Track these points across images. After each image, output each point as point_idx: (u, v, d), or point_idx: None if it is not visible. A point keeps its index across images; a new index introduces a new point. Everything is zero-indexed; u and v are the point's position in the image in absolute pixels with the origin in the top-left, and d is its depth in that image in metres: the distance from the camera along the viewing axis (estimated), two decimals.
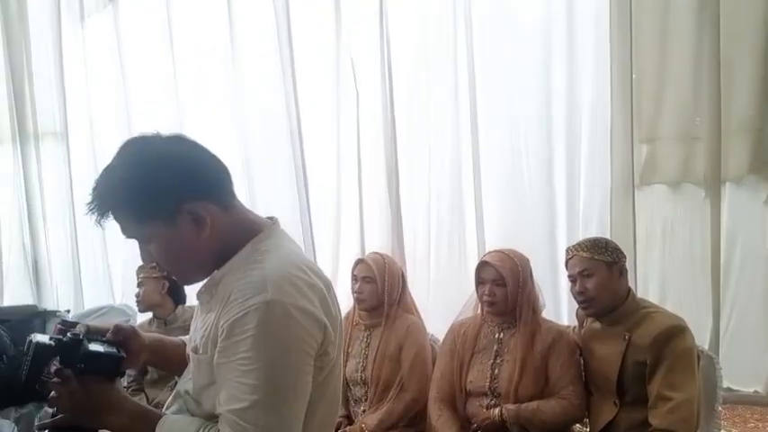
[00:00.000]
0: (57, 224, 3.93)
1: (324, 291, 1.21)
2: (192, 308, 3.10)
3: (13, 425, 3.25)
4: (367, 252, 2.87)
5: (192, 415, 1.24)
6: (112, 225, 3.58)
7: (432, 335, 2.71)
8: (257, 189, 3.32)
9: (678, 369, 2.03)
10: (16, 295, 4.01)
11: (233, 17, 3.31)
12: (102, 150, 3.75)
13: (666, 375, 2.02)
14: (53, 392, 1.19)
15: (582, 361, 2.31)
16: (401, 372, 2.53)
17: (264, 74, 3.27)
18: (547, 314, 2.46)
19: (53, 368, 1.21)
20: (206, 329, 1.21)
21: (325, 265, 3.11)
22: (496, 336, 2.39)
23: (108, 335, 1.26)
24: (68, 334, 1.21)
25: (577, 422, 2.31)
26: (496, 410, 2.25)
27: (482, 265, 2.43)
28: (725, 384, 2.32)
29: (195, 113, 3.48)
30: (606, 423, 2.15)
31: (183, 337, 1.47)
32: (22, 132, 3.87)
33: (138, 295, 2.95)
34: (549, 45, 2.78)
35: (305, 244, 3.16)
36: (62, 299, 3.97)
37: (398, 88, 3.04)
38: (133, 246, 3.52)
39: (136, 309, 3.70)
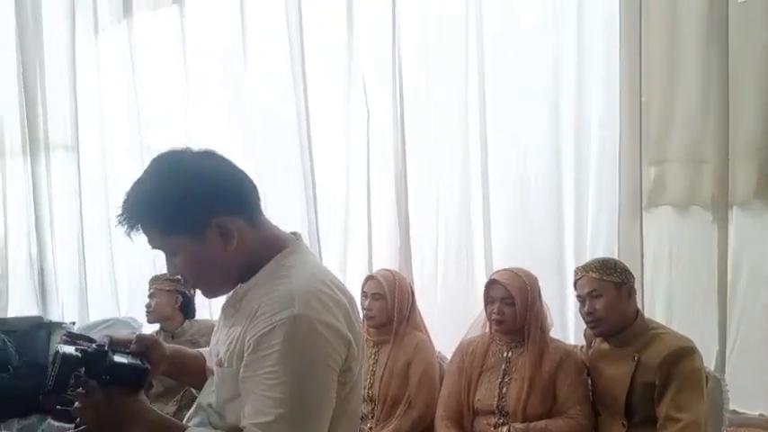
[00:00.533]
0: (64, 236, 3.95)
1: (348, 307, 1.24)
2: (199, 322, 3.12)
3: None
4: (375, 270, 2.88)
5: (215, 428, 1.25)
6: (118, 238, 3.58)
7: (439, 352, 2.72)
8: (266, 204, 3.32)
9: (686, 390, 2.04)
10: (22, 306, 4.02)
11: (246, 32, 3.35)
12: (113, 163, 3.79)
13: (675, 396, 2.03)
14: (77, 403, 1.20)
15: (589, 381, 2.32)
16: (409, 389, 2.54)
17: (276, 92, 3.30)
18: (554, 334, 2.48)
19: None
20: (231, 343, 1.22)
21: None
22: (504, 354, 2.41)
23: (132, 346, 1.28)
24: (94, 345, 1.22)
25: None
26: (504, 429, 2.26)
27: (491, 284, 2.45)
28: (731, 407, 2.32)
29: (206, 127, 3.50)
30: None
31: (201, 350, 1.48)
32: (33, 144, 3.91)
33: (148, 306, 2.96)
34: (558, 68, 2.81)
35: None
36: (67, 310, 3.98)
37: (409, 108, 3.06)
38: (139, 259, 3.53)
39: (141, 321, 3.72)
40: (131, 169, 3.71)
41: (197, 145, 3.43)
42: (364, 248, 3.21)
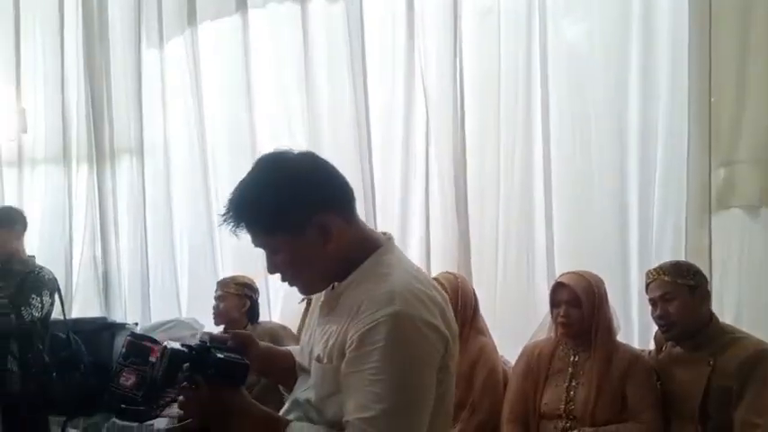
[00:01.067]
0: (128, 239, 4.05)
1: (443, 305, 1.25)
2: (261, 325, 3.18)
3: None
4: (432, 272, 2.88)
5: (313, 423, 1.27)
6: (175, 239, 3.64)
7: (501, 356, 2.71)
8: None
9: (766, 394, 1.99)
10: (86, 307, 4.14)
11: (308, 38, 3.40)
12: (176, 169, 3.88)
13: (754, 401, 1.99)
14: (181, 398, 1.24)
15: (659, 386, 2.28)
16: (473, 393, 2.53)
17: (336, 96, 3.34)
18: (618, 337, 2.44)
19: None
20: (328, 340, 1.25)
21: None
22: (571, 358, 2.38)
23: (229, 343, 1.32)
24: (197, 341, 1.26)
25: None
26: None
27: (557, 287, 2.43)
28: None
29: (268, 132, 3.57)
30: None
31: (289, 348, 1.52)
32: (99, 151, 4.04)
33: (216, 308, 3.04)
34: (625, 68, 2.78)
35: None
36: (130, 312, 4.08)
37: (470, 108, 3.06)
38: (201, 261, 3.59)
39: (203, 323, 3.80)
40: (193, 175, 3.82)
41: (260, 151, 3.51)
42: (422, 251, 3.21)
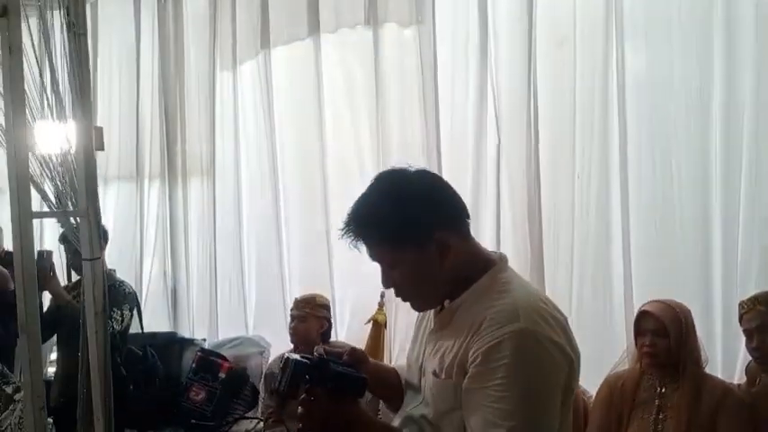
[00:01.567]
0: (197, 256, 4.14)
1: (564, 325, 1.24)
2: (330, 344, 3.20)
3: None
4: None
5: None
6: (244, 257, 3.64)
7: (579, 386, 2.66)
8: None
9: None
10: (153, 322, 4.22)
11: (378, 66, 3.43)
12: (247, 189, 3.96)
13: None
14: (300, 409, 1.26)
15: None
16: None
17: (406, 126, 3.36)
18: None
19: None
20: (444, 356, 1.25)
21: None
22: (657, 390, 2.32)
23: (345, 357, 1.33)
24: (315, 354, 1.29)
25: None
26: None
27: (642, 315, 2.38)
28: None
29: (338, 159, 3.63)
30: None
31: (394, 365, 1.52)
32: (171, 170, 4.15)
33: (293, 328, 3.05)
34: (707, 90, 2.74)
35: None
36: (197, 327, 4.15)
37: (543, 136, 3.04)
38: (269, 280, 3.64)
39: (270, 341, 3.85)
40: (263, 196, 3.89)
41: (329, 175, 3.52)
42: None
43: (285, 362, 1.26)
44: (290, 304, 3.75)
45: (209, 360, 3.70)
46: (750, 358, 2.38)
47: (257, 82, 3.82)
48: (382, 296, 3.55)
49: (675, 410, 2.24)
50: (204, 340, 4.02)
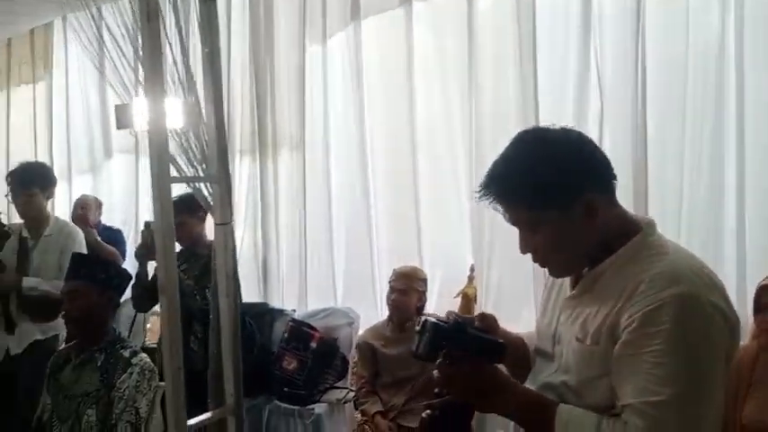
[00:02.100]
0: (287, 228, 4.20)
1: (724, 290, 1.17)
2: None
3: None
4: None
5: None
6: (333, 230, 3.67)
7: None
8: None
9: None
10: (245, 293, 4.31)
11: (472, 34, 3.33)
12: (336, 160, 3.98)
13: None
14: (436, 373, 1.24)
15: None
16: None
17: (501, 98, 3.25)
18: None
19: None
20: (587, 322, 1.21)
21: None
22: None
23: (476, 323, 1.31)
24: (451, 318, 1.27)
25: None
26: None
27: (762, 290, 2.28)
28: None
29: (428, 131, 3.59)
30: None
31: (520, 333, 1.50)
32: (262, 142, 4.21)
33: (393, 301, 3.07)
34: None
35: None
36: (287, 298, 4.23)
37: (651, 107, 2.88)
38: (358, 252, 3.69)
39: (358, 312, 3.89)
40: (352, 169, 3.91)
41: (419, 145, 3.46)
42: None
43: (423, 325, 1.24)
44: (378, 276, 3.79)
45: (302, 330, 3.77)
46: None
47: (346, 53, 3.81)
48: (472, 269, 3.52)
49: None
50: (294, 311, 4.09)
